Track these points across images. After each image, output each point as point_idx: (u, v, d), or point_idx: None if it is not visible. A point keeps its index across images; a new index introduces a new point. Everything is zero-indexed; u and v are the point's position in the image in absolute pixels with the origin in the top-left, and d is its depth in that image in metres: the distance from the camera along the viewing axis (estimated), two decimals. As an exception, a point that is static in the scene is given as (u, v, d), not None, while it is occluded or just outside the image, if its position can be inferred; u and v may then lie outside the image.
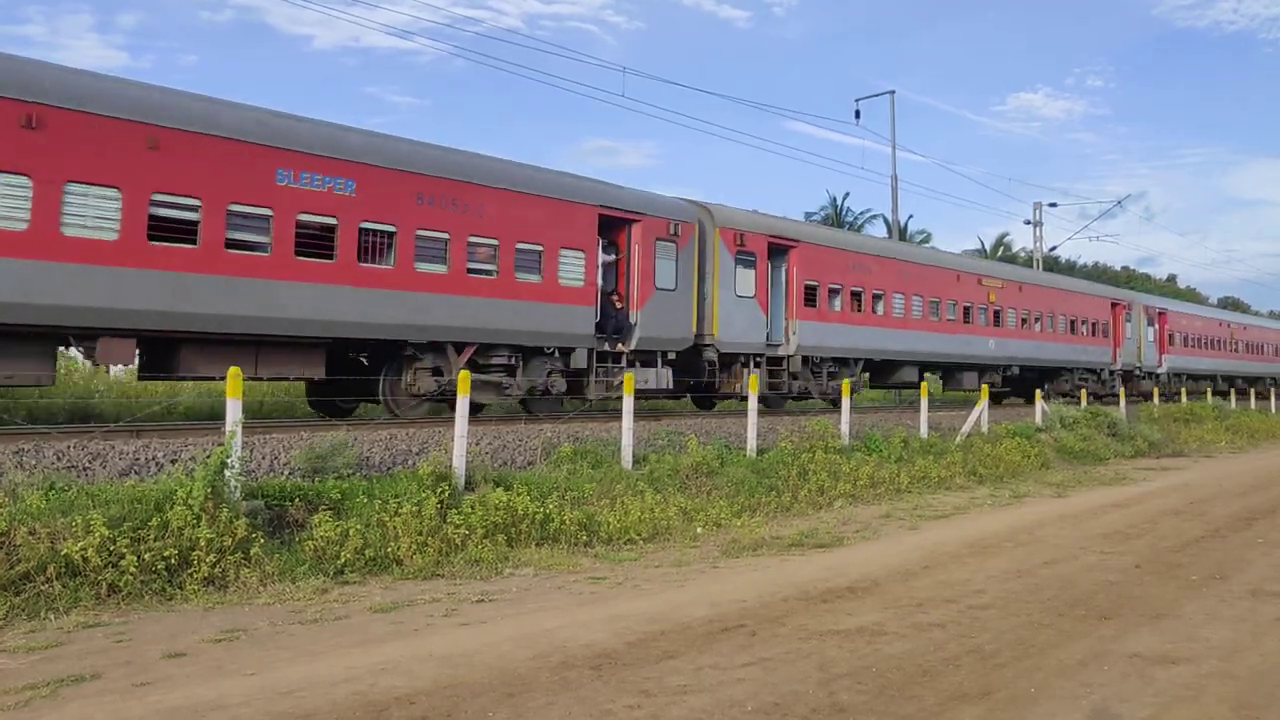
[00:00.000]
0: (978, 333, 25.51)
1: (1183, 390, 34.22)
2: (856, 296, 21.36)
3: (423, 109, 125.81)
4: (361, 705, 4.62)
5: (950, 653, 5.67)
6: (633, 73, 79.69)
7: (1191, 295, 75.12)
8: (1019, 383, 28.38)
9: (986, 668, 5.40)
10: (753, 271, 18.48)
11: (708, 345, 17.68)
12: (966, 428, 17.86)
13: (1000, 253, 59.90)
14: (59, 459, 8.72)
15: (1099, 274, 69.32)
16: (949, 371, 25.96)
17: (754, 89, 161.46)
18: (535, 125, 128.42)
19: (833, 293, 20.63)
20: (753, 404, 13.61)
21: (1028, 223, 45.59)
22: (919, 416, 17.39)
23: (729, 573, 7.93)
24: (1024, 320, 27.89)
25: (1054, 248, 49.71)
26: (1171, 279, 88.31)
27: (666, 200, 17.52)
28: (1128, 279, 73.37)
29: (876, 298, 21.94)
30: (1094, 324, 31.66)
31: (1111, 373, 32.68)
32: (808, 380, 20.03)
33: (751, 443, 13.25)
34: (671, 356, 17.06)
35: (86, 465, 8.76)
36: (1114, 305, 33.30)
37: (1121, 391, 28.76)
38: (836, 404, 19.71)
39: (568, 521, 8.84)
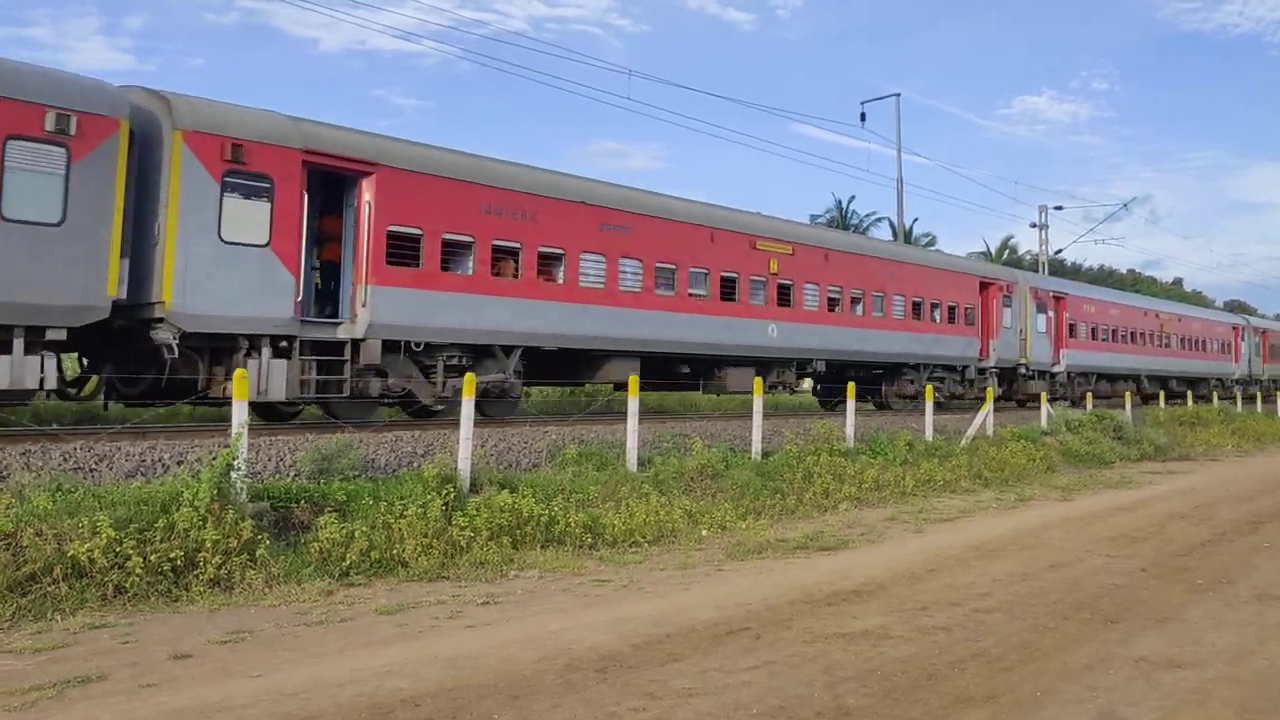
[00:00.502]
0: (749, 314, 18.67)
1: (1087, 394, 27.78)
2: (507, 255, 14.70)
3: (427, 111, 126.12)
4: (367, 707, 4.63)
5: (955, 656, 5.66)
6: (638, 75, 79.75)
7: (1198, 298, 75.00)
8: (840, 382, 21.06)
9: (992, 671, 5.40)
10: (266, 205, 11.85)
11: (157, 320, 11.14)
12: (971, 431, 17.85)
13: (1005, 255, 59.85)
14: (65, 460, 8.75)
15: (1104, 277, 69.26)
16: (705, 367, 18.63)
17: (759, 92, 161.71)
18: (541, 127, 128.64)
19: (453, 247, 13.98)
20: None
21: (1033, 225, 45.60)
22: (924, 419, 17.37)
23: (734, 575, 7.92)
24: (832, 300, 20.98)
25: (1059, 251, 49.75)
26: (1177, 282, 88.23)
27: (41, 73, 10.70)
28: (1133, 282, 73.25)
29: (549, 259, 15.25)
30: (953, 308, 24.60)
31: (981, 371, 25.75)
32: (407, 376, 13.54)
33: (756, 445, 13.25)
34: (57, 336, 10.50)
35: (93, 467, 8.80)
36: (984, 285, 26.02)
37: (980, 396, 22.23)
38: (478, 410, 14.55)
39: (573, 524, 8.85)
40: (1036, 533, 10.39)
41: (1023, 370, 27.39)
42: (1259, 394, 39.15)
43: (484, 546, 8.08)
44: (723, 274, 18.23)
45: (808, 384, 22.59)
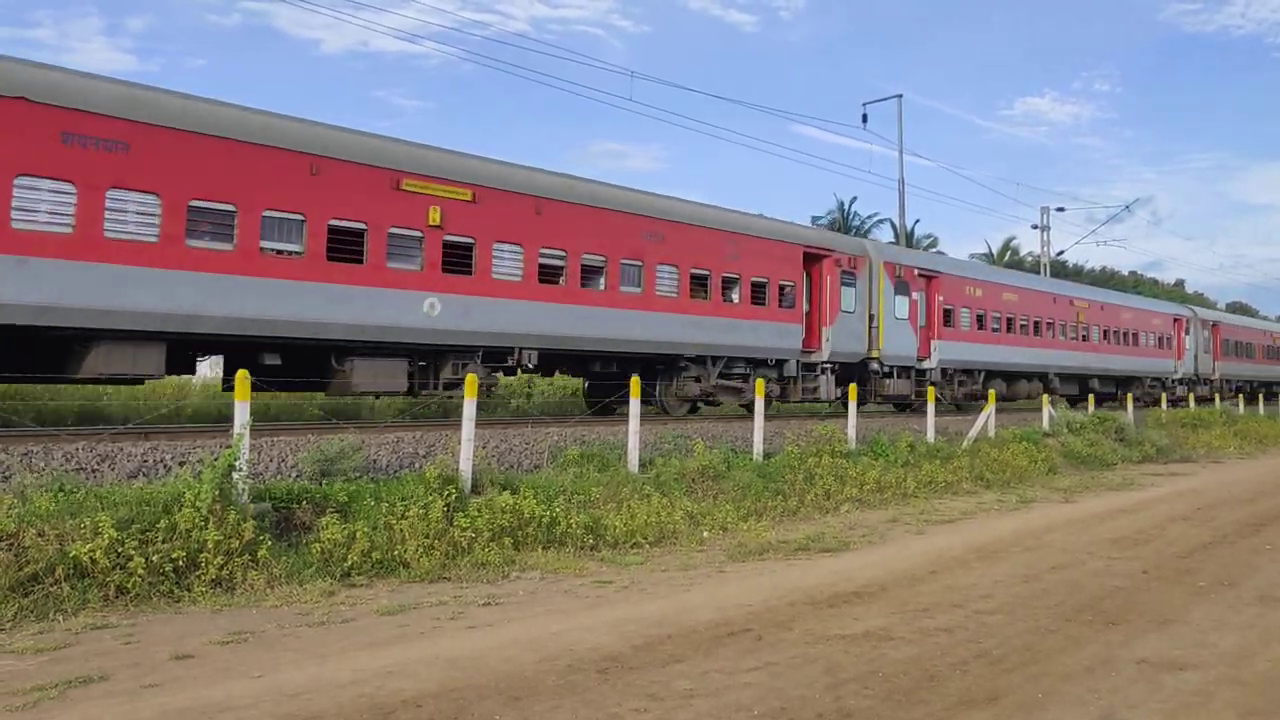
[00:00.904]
0: (388, 282, 13.29)
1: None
2: None
3: (429, 111, 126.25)
4: (368, 708, 4.63)
5: (957, 658, 5.66)
6: (640, 76, 79.65)
7: (1200, 300, 74.85)
8: (614, 379, 16.54)
9: (993, 673, 5.39)
10: None
11: None
12: (974, 432, 17.83)
13: (1007, 257, 59.85)
14: (67, 461, 8.76)
15: (1106, 279, 69.20)
16: (311, 357, 13.28)
17: (761, 93, 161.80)
18: (543, 127, 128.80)
19: None
20: None
21: (1035, 227, 45.62)
22: (925, 421, 17.36)
23: (735, 577, 7.92)
24: (551, 269, 15.41)
25: (1061, 252, 49.65)
26: (1180, 284, 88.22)
27: None
28: (1135, 283, 73.13)
29: None
30: (760, 285, 19.09)
31: (810, 367, 20.43)
32: None
33: (758, 447, 13.25)
34: None
35: (95, 467, 8.80)
36: (811, 257, 20.50)
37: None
38: None
39: (574, 525, 8.85)
40: (1038, 534, 10.38)
41: (875, 366, 22.12)
42: (1192, 395, 33.63)
43: (485, 547, 8.08)
44: (334, 223, 12.82)
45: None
